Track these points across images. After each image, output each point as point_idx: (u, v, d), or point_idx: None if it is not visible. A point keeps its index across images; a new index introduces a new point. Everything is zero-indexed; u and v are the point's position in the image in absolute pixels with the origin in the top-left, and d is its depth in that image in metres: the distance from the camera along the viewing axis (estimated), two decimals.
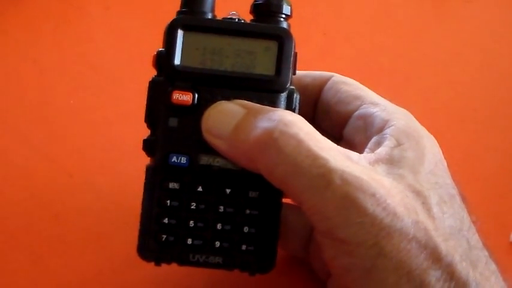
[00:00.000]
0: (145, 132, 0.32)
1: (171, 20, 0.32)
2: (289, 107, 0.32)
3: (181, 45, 0.32)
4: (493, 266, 0.30)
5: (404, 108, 0.34)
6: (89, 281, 0.38)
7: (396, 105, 0.34)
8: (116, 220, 0.40)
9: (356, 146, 0.33)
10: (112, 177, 0.43)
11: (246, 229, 0.31)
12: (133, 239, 0.32)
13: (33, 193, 0.41)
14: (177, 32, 0.31)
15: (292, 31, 0.32)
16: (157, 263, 0.32)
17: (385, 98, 0.35)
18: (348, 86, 0.35)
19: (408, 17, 0.53)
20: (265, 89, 0.32)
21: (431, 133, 0.33)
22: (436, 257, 0.27)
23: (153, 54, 0.32)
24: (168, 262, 0.32)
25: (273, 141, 0.28)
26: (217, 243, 0.31)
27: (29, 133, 0.45)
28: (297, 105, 0.32)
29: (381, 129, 0.32)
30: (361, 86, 0.35)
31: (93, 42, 0.50)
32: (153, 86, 0.32)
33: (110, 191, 0.42)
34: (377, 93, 0.35)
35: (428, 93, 0.49)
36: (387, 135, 0.31)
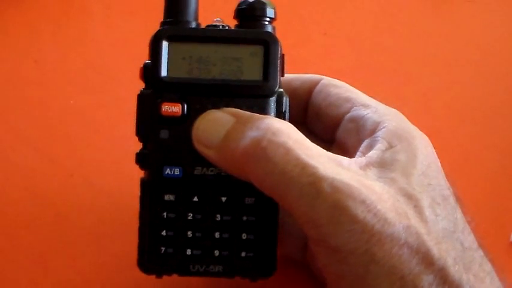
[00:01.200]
0: None
1: (155, 31, 0.32)
2: (279, 110, 0.32)
3: (167, 56, 0.31)
4: (489, 267, 0.30)
5: (404, 108, 0.34)
6: (89, 280, 0.38)
7: (393, 105, 0.34)
8: (116, 220, 0.40)
9: (348, 149, 0.33)
10: (112, 177, 0.43)
11: (244, 236, 0.31)
12: (134, 239, 0.32)
13: (33, 193, 0.42)
14: (161, 44, 0.31)
15: (292, 31, 0.32)
16: (158, 275, 0.32)
17: (385, 98, 0.35)
18: (337, 88, 0.35)
19: (408, 17, 0.53)
20: (254, 95, 0.31)
21: (431, 133, 0.33)
22: (428, 261, 0.27)
23: (140, 67, 0.32)
24: (169, 274, 0.32)
25: (261, 150, 0.28)
26: (217, 252, 0.31)
27: (29, 133, 0.45)
28: (287, 108, 0.32)
29: (372, 132, 0.32)
30: (350, 88, 0.35)
31: (94, 42, 0.50)
32: (142, 99, 0.32)
33: (110, 191, 0.42)
34: (377, 93, 0.35)
35: (429, 93, 0.49)
36: (379, 138, 0.31)
